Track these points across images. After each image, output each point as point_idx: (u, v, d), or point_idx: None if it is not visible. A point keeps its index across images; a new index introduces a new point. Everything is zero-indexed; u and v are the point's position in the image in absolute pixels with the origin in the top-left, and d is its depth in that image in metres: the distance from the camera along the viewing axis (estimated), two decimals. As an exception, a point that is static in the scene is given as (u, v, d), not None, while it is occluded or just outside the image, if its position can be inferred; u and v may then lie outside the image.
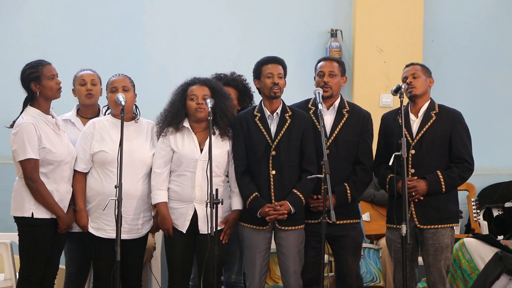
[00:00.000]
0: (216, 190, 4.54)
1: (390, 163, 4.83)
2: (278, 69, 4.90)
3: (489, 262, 5.53)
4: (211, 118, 4.69)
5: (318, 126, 4.84)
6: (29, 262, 4.67)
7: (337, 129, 4.96)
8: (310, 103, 5.03)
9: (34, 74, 4.70)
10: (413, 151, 4.94)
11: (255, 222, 4.85)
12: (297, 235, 4.86)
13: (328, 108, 5.01)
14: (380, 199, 6.10)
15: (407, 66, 5.10)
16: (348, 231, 4.95)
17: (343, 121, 4.97)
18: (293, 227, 4.85)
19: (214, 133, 4.79)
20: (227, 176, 4.90)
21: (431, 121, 4.97)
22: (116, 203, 4.44)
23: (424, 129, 4.96)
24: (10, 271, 5.37)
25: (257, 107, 4.96)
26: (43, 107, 4.73)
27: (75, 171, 4.81)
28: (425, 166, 4.93)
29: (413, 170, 4.93)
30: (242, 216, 4.90)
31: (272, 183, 4.83)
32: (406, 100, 4.98)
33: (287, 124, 4.88)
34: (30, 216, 4.63)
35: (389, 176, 4.93)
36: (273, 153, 4.84)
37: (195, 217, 4.78)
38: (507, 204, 6.67)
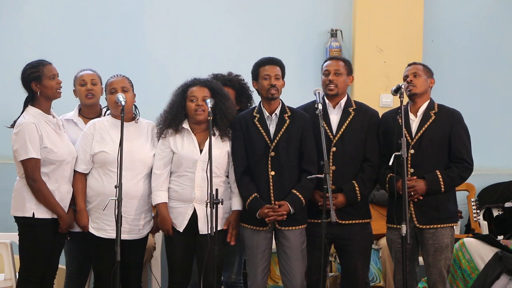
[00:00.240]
0: (216, 190, 4.55)
1: (390, 163, 4.83)
2: (275, 70, 4.90)
3: (489, 262, 5.53)
4: (211, 118, 4.69)
5: (325, 126, 4.86)
6: (29, 262, 4.67)
7: (343, 127, 4.95)
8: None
9: (35, 74, 4.70)
10: (412, 151, 4.94)
11: (255, 222, 4.85)
12: (298, 235, 4.86)
13: (334, 107, 5.01)
14: (380, 199, 6.09)
15: (409, 65, 5.10)
16: (356, 234, 4.92)
17: (349, 119, 4.97)
18: (294, 227, 4.85)
19: (214, 134, 4.79)
20: (227, 176, 4.90)
21: (430, 120, 4.97)
22: (116, 203, 4.44)
23: (423, 128, 4.96)
24: (10, 271, 5.38)
25: (256, 108, 4.96)
26: (43, 107, 4.73)
27: (75, 171, 4.81)
28: (424, 165, 4.92)
29: (412, 170, 4.93)
30: (242, 216, 4.90)
31: (271, 183, 4.83)
32: (406, 100, 4.98)
33: (286, 125, 4.87)
34: (31, 216, 4.64)
35: (388, 176, 4.93)
36: (272, 153, 4.84)
37: (194, 217, 4.78)
38: (507, 204, 6.67)
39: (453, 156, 4.95)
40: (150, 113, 5.03)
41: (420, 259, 5.06)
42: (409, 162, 4.92)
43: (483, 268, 5.55)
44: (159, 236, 5.71)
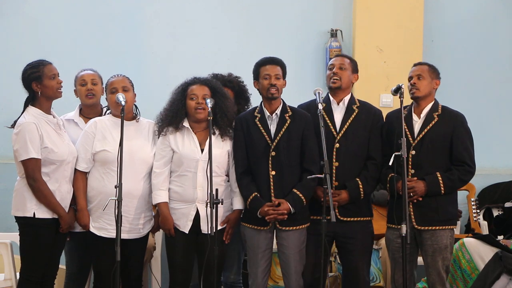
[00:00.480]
0: (216, 190, 4.54)
1: (390, 163, 4.83)
2: (275, 70, 4.90)
3: (489, 262, 5.53)
4: (211, 118, 4.69)
5: (328, 123, 4.85)
6: (30, 262, 4.67)
7: (347, 125, 4.96)
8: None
9: (35, 74, 4.70)
10: (413, 152, 4.93)
11: (256, 222, 4.85)
12: (298, 235, 4.86)
13: (338, 103, 5.01)
14: (380, 199, 6.09)
15: (414, 65, 5.09)
16: (357, 233, 4.93)
17: (353, 117, 4.97)
18: (294, 227, 4.85)
19: (214, 133, 4.79)
20: (227, 175, 4.90)
21: (433, 122, 4.96)
22: (116, 203, 4.45)
23: (426, 130, 4.95)
24: (10, 271, 5.37)
25: (257, 108, 4.96)
26: (44, 107, 4.73)
27: (76, 170, 4.81)
28: (425, 167, 4.92)
29: (413, 171, 4.93)
30: (243, 216, 4.91)
31: (272, 183, 4.83)
32: (406, 100, 4.96)
33: (286, 125, 4.88)
34: (32, 216, 4.63)
35: (389, 175, 4.93)
36: (273, 153, 4.84)
37: (197, 218, 4.79)
38: (507, 204, 6.67)
39: (454, 159, 4.94)
40: (151, 113, 5.02)
41: (420, 259, 5.06)
42: (410, 162, 4.92)
43: (483, 268, 5.55)
44: (159, 236, 5.71)
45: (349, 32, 6.95)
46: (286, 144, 4.85)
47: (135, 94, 4.93)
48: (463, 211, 6.37)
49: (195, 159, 4.78)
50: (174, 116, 4.84)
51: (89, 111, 5.15)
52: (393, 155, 4.79)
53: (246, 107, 5.29)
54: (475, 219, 6.51)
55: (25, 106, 4.73)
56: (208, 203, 4.51)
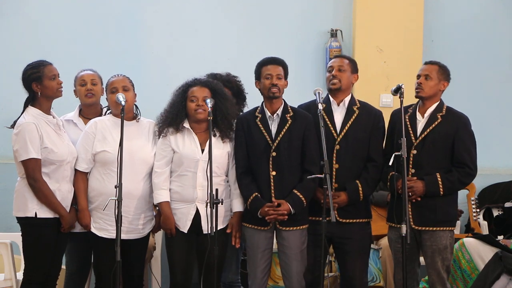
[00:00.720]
0: (216, 190, 4.54)
1: (390, 163, 4.83)
2: (277, 70, 4.90)
3: (489, 262, 5.52)
4: (211, 118, 4.69)
5: (329, 124, 4.85)
6: (33, 262, 4.67)
7: (347, 126, 4.96)
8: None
9: (35, 74, 4.70)
10: (414, 151, 4.93)
11: (257, 222, 4.85)
12: (298, 235, 4.86)
13: (338, 105, 5.01)
14: (378, 199, 6.09)
15: (426, 63, 5.08)
16: (355, 234, 4.92)
17: (353, 118, 4.97)
18: (295, 228, 4.85)
19: (214, 135, 4.79)
20: (227, 175, 4.90)
21: (436, 123, 4.95)
22: (116, 203, 4.45)
23: (428, 130, 4.95)
24: (10, 271, 5.37)
25: (258, 108, 4.96)
26: (44, 107, 4.73)
27: (76, 170, 4.82)
28: (425, 167, 4.92)
29: (413, 170, 4.93)
30: (244, 216, 4.91)
31: (272, 184, 4.83)
32: (406, 100, 4.95)
33: (287, 125, 4.88)
34: (34, 216, 4.63)
35: (390, 174, 4.93)
36: (273, 154, 4.84)
37: (197, 217, 4.79)
38: (507, 204, 6.67)
39: (455, 160, 4.93)
40: (151, 113, 5.02)
41: (422, 259, 5.06)
42: (411, 162, 4.91)
43: (483, 268, 5.54)
44: (159, 236, 5.71)
45: (349, 32, 6.95)
46: (287, 145, 4.84)
47: (136, 94, 4.93)
48: (463, 211, 6.36)
49: (195, 159, 4.78)
50: (174, 117, 4.84)
51: (88, 111, 5.15)
52: (393, 154, 4.79)
53: (242, 106, 5.29)
54: (474, 218, 6.51)
55: (25, 106, 4.74)
56: (208, 203, 4.51)
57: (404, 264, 4.72)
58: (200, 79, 4.93)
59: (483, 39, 7.11)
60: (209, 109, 4.70)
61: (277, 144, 4.85)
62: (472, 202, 6.52)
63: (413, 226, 4.88)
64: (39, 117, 4.69)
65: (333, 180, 4.85)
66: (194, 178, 4.77)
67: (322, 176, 4.61)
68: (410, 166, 4.92)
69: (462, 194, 6.41)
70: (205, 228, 4.71)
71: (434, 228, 4.90)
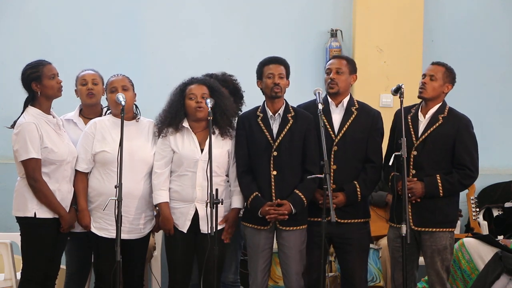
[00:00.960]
0: (216, 190, 4.54)
1: (390, 163, 4.83)
2: (279, 69, 4.91)
3: (489, 262, 5.53)
4: (211, 118, 4.69)
5: (327, 125, 4.85)
6: (31, 262, 4.66)
7: (345, 127, 4.96)
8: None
9: (34, 74, 4.70)
10: (415, 152, 4.93)
11: (257, 222, 4.85)
12: (298, 235, 4.86)
13: (336, 106, 5.01)
14: (377, 200, 6.09)
15: (433, 63, 5.06)
16: (354, 233, 4.93)
17: (351, 119, 4.97)
18: (295, 227, 4.85)
19: (214, 133, 4.79)
20: (227, 175, 4.90)
21: (437, 124, 4.94)
22: (116, 203, 4.45)
23: (429, 131, 4.94)
24: (10, 271, 5.37)
25: (260, 107, 4.96)
26: (44, 107, 4.73)
27: (76, 171, 4.82)
28: (425, 168, 4.91)
29: (414, 171, 4.92)
30: (244, 215, 4.91)
31: (273, 183, 4.83)
32: (406, 100, 4.95)
33: (289, 125, 4.88)
34: (33, 216, 4.63)
35: (391, 174, 4.93)
36: (275, 153, 4.84)
37: (196, 217, 4.79)
38: (507, 204, 6.67)
39: (456, 162, 4.92)
40: (151, 113, 5.02)
41: (421, 259, 5.06)
42: (412, 162, 4.91)
43: (483, 268, 5.54)
44: (159, 236, 5.71)
45: (349, 32, 6.95)
46: (288, 145, 4.85)
47: (135, 94, 4.93)
48: (463, 210, 6.36)
49: (194, 159, 4.78)
50: (173, 117, 4.84)
51: (89, 111, 5.15)
52: (393, 154, 4.79)
53: (240, 105, 5.28)
54: (474, 218, 6.51)
55: (25, 106, 4.73)
56: (208, 203, 4.51)
57: (404, 264, 4.72)
58: (197, 78, 4.94)
59: (483, 39, 7.10)
60: (209, 109, 4.70)
61: (278, 144, 4.85)
62: (472, 202, 6.51)
63: (413, 226, 4.88)
64: (39, 117, 4.68)
65: (331, 181, 4.85)
66: (194, 178, 4.78)
67: (322, 176, 4.61)
68: (411, 166, 4.91)
69: (462, 194, 6.39)
70: (204, 228, 4.71)
71: (434, 229, 4.90)
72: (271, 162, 4.84)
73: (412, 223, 4.87)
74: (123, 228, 4.54)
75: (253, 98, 5.27)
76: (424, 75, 5.01)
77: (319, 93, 4.91)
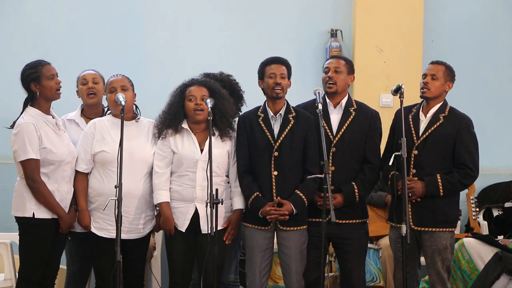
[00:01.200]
0: (216, 190, 4.54)
1: (390, 163, 4.83)
2: (280, 70, 4.91)
3: (489, 262, 5.52)
4: (211, 118, 4.68)
5: (325, 126, 4.86)
6: (29, 262, 4.66)
7: (344, 127, 4.96)
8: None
9: (33, 74, 4.70)
10: (415, 152, 4.92)
11: (257, 222, 4.86)
12: (299, 235, 4.86)
13: (335, 107, 5.01)
14: (377, 200, 6.09)
15: (432, 62, 5.06)
16: (353, 233, 4.94)
17: (350, 120, 4.97)
18: (295, 228, 4.85)
19: (213, 134, 4.79)
20: (227, 176, 4.90)
21: (438, 123, 4.94)
22: (116, 203, 4.45)
23: (430, 130, 4.94)
24: (10, 271, 5.38)
25: (261, 108, 4.96)
26: (43, 107, 4.73)
27: (76, 171, 4.81)
28: (426, 167, 4.91)
29: (414, 171, 4.92)
30: (244, 216, 4.91)
31: (274, 183, 4.83)
32: (406, 100, 4.95)
33: (290, 125, 4.88)
34: (31, 216, 4.63)
35: (391, 173, 4.93)
36: (275, 154, 4.84)
37: (196, 217, 4.79)
38: (507, 204, 6.67)
39: (456, 162, 4.92)
40: (151, 113, 5.02)
41: (422, 259, 5.06)
42: (412, 162, 4.91)
43: (483, 268, 5.54)
44: (159, 236, 5.71)
45: (349, 32, 6.95)
46: (289, 145, 4.85)
47: (135, 94, 4.93)
48: (463, 210, 6.36)
49: (194, 160, 4.78)
50: (173, 118, 4.84)
51: (90, 111, 5.15)
52: (393, 154, 4.79)
53: (239, 105, 5.28)
54: (474, 218, 6.51)
55: (24, 106, 4.73)
56: (208, 203, 4.51)
57: (404, 264, 4.72)
58: (198, 79, 4.94)
59: (483, 39, 7.11)
60: (209, 109, 4.70)
61: (279, 144, 4.85)
62: (472, 202, 6.51)
63: (413, 226, 4.88)
64: (38, 117, 4.68)
65: (330, 182, 4.84)
66: (194, 178, 4.77)
67: (322, 176, 4.61)
68: (412, 166, 4.91)
69: (462, 194, 6.39)
70: (204, 228, 4.71)
71: (434, 229, 4.90)
72: (272, 162, 4.84)
73: (412, 223, 4.87)
74: (123, 228, 4.54)
75: (253, 98, 5.28)
76: (425, 75, 5.00)
77: (319, 93, 4.91)
